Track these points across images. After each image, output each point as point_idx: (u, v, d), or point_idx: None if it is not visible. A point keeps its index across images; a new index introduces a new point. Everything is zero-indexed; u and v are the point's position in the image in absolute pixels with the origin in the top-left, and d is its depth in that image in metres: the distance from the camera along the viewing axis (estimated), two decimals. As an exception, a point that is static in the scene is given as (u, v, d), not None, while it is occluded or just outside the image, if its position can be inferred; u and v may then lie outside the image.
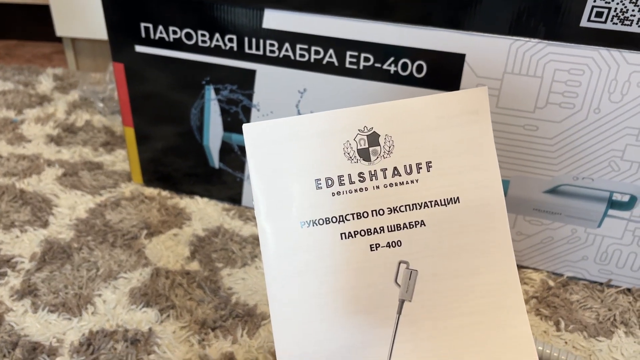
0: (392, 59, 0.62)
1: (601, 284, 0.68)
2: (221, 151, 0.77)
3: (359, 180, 0.34)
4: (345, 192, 0.34)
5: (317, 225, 0.34)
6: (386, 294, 0.33)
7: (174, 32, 0.70)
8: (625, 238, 0.64)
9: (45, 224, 0.76)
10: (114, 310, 0.63)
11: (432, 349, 0.32)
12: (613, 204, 0.62)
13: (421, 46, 0.61)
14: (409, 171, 0.34)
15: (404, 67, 0.63)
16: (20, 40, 1.58)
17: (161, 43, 0.72)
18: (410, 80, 0.63)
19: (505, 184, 0.65)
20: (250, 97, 0.72)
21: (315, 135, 0.35)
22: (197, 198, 0.83)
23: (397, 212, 0.34)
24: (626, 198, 0.61)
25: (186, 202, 0.82)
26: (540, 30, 0.56)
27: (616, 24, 0.53)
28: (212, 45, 0.69)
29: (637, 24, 0.53)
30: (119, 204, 0.80)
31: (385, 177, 0.34)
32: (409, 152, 0.34)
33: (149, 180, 0.85)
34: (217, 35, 0.68)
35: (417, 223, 0.34)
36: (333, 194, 0.34)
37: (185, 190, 0.84)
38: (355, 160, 0.35)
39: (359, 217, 0.34)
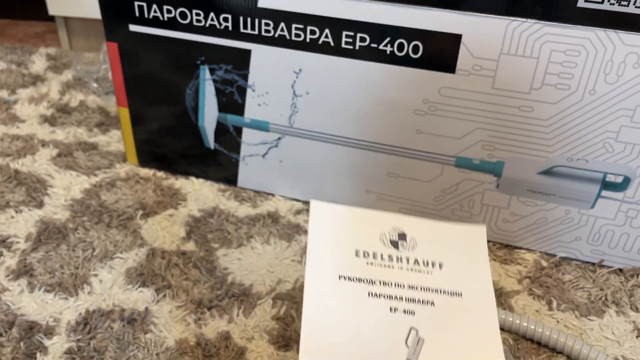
0: (388, 39, 0.62)
1: (593, 264, 0.68)
2: (216, 132, 0.77)
3: (389, 259, 0.45)
4: (376, 265, 0.44)
5: (351, 280, 0.43)
6: (395, 350, 0.40)
7: (168, 11, 0.69)
8: (618, 219, 0.64)
9: (40, 205, 0.76)
10: (110, 290, 0.63)
11: None
12: (606, 185, 0.63)
13: (417, 26, 0.60)
14: (426, 264, 0.45)
15: (400, 47, 0.62)
16: (12, 20, 1.56)
17: (155, 22, 0.71)
18: (406, 61, 0.63)
19: (500, 165, 0.66)
20: (245, 77, 0.71)
21: (362, 223, 0.47)
22: (193, 179, 0.83)
23: (415, 289, 0.43)
24: (619, 179, 0.62)
25: (182, 183, 0.82)
26: (537, 10, 0.55)
27: (613, 4, 0.53)
28: (207, 25, 0.69)
29: (634, 4, 0.52)
30: (114, 185, 0.80)
31: (408, 263, 0.44)
32: (427, 253, 0.45)
33: (144, 161, 0.85)
34: (212, 14, 0.68)
35: (428, 302, 0.42)
36: (367, 263, 0.44)
37: (181, 171, 0.84)
38: (387, 246, 0.45)
39: (384, 284, 0.43)
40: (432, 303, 0.43)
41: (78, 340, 0.57)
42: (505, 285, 0.66)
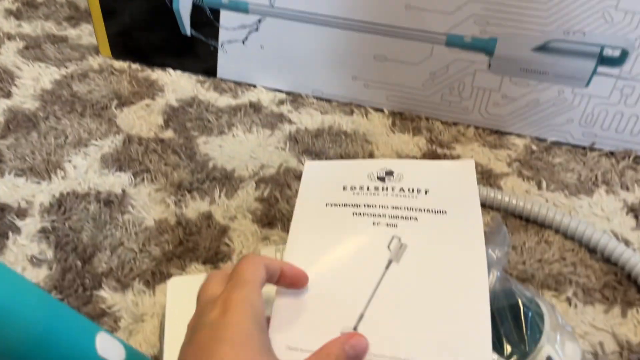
0: None
1: (584, 147, 0.67)
2: (193, 16, 0.72)
3: (374, 189, 0.47)
4: (362, 194, 0.47)
5: (336, 206, 0.46)
6: (379, 255, 0.42)
7: None
8: (613, 97, 0.62)
9: (7, 95, 0.72)
10: (85, 175, 0.61)
11: (405, 298, 0.40)
12: (603, 60, 0.60)
13: None
14: (411, 191, 0.47)
15: None
16: None
17: None
18: None
19: (493, 42, 0.62)
20: (221, -49, 0.66)
21: (352, 169, 0.50)
22: (170, 70, 0.78)
23: (398, 209, 0.45)
24: (617, 53, 0.59)
25: (158, 75, 0.78)
26: None
27: None
28: None
29: None
30: (86, 76, 0.76)
31: (393, 191, 0.47)
32: (413, 183, 0.47)
33: (118, 53, 0.80)
34: None
35: (411, 218, 0.44)
36: (354, 194, 0.47)
37: (157, 63, 0.79)
38: (374, 181, 0.48)
39: (368, 206, 0.45)
40: (416, 219, 0.44)
41: (52, 221, 0.55)
42: (494, 168, 0.64)
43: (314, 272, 0.42)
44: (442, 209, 0.45)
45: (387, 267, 0.42)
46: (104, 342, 0.28)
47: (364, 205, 0.45)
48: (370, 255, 0.42)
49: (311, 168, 0.52)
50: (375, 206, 0.45)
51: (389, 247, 0.43)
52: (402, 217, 0.44)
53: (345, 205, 0.46)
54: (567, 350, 0.42)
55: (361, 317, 0.38)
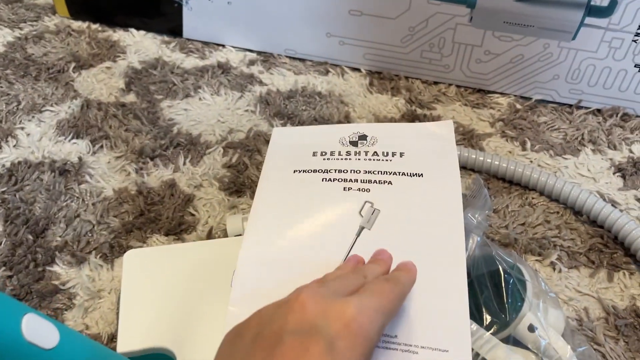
0: None
1: (570, 105, 0.64)
2: (154, -30, 0.67)
3: (346, 154, 0.44)
4: (333, 159, 0.44)
5: (305, 172, 0.43)
6: (350, 222, 0.39)
7: None
8: (601, 51, 0.59)
9: (-45, 59, 0.67)
10: (39, 143, 0.56)
11: None
12: (591, 11, 0.56)
13: None
14: (385, 154, 0.44)
15: None
16: None
17: None
18: None
19: (475, -7, 0.58)
20: None
21: (322, 134, 0.48)
22: (133, 31, 0.73)
23: (371, 173, 0.42)
24: (605, 2, 0.55)
25: (120, 35, 0.73)
26: None
27: None
28: None
29: None
30: (42, 38, 0.71)
31: (366, 155, 0.44)
32: (388, 146, 0.44)
33: (76, 13, 0.75)
34: None
35: (385, 182, 0.42)
36: (324, 159, 0.44)
37: (119, 23, 0.74)
38: (346, 145, 0.45)
39: (339, 171, 0.43)
40: (390, 182, 0.42)
41: (2, 192, 0.51)
42: (476, 128, 0.61)
43: (281, 241, 0.39)
44: (418, 172, 0.42)
45: (358, 234, 0.39)
46: (32, 325, 0.25)
47: (335, 171, 0.43)
48: (340, 221, 0.40)
49: (279, 134, 0.49)
50: (347, 171, 0.43)
51: (360, 212, 0.40)
52: (376, 182, 0.42)
53: (314, 171, 0.44)
54: (550, 318, 0.39)
55: None
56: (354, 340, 0.26)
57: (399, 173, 0.42)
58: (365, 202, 0.41)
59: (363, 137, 0.46)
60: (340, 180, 0.42)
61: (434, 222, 0.39)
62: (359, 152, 0.45)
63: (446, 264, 0.36)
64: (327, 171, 0.43)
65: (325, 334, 0.26)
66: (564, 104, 0.64)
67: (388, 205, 0.40)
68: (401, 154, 0.44)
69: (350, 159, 0.44)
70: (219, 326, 0.37)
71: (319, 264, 0.37)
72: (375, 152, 0.44)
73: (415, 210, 0.40)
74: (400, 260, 0.35)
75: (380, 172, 0.43)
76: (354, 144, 0.46)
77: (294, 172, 0.44)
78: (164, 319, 0.37)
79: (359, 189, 0.41)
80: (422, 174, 0.42)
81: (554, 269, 0.47)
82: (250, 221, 0.41)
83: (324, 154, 0.45)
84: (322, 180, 0.43)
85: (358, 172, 0.43)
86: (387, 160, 0.44)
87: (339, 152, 0.45)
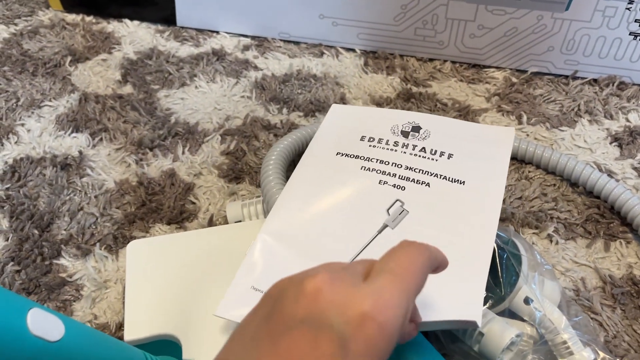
0: None
1: (566, 77, 0.63)
2: (143, -41, 0.67)
3: (394, 145, 0.43)
4: (379, 147, 0.43)
5: (347, 156, 0.43)
6: (375, 217, 0.38)
7: None
8: (595, 20, 0.58)
9: (-47, 58, 0.67)
10: (39, 138, 0.57)
11: None
12: (583, -20, 0.56)
13: None
14: (433, 153, 0.43)
15: None
16: None
17: None
18: None
19: (466, -33, 0.58)
20: None
21: (378, 117, 0.46)
22: (127, 21, 0.73)
23: (411, 170, 0.41)
24: (598, -30, 0.55)
25: (114, 27, 0.73)
26: None
27: None
28: None
29: None
30: (37, 32, 0.71)
31: (413, 149, 0.43)
32: (438, 144, 0.43)
33: (69, 6, 0.75)
34: None
35: (423, 182, 0.40)
36: (369, 146, 0.43)
37: (113, 14, 0.74)
38: (397, 135, 0.44)
39: (380, 162, 0.42)
40: (428, 184, 0.40)
41: (7, 189, 0.52)
42: (472, 104, 0.61)
43: (302, 222, 0.39)
44: (460, 179, 0.41)
45: (380, 231, 0.38)
46: (38, 319, 0.26)
47: (376, 160, 0.42)
48: (365, 215, 0.39)
49: (335, 111, 0.48)
50: (388, 163, 0.42)
51: (388, 210, 0.39)
52: (413, 180, 0.41)
53: (355, 157, 0.43)
54: (546, 290, 0.40)
55: None
56: (369, 344, 0.23)
57: (440, 176, 0.41)
58: (396, 200, 0.40)
59: (416, 129, 0.45)
60: (378, 171, 0.42)
61: (462, 235, 0.37)
62: (407, 144, 0.43)
63: (468, 276, 0.35)
64: (368, 159, 0.43)
65: (338, 331, 0.23)
66: (560, 76, 0.64)
67: (419, 207, 0.39)
68: (449, 156, 0.42)
69: (395, 150, 0.43)
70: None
71: (333, 252, 0.37)
72: (424, 147, 0.43)
73: (445, 220, 0.38)
74: None
75: (420, 171, 0.41)
76: (405, 134, 0.44)
77: (337, 154, 0.44)
78: (169, 306, 0.39)
79: (394, 185, 0.41)
80: (463, 182, 0.41)
81: (551, 241, 0.48)
82: (282, 194, 0.41)
83: (371, 139, 0.44)
84: (361, 168, 0.42)
85: (399, 166, 0.42)
86: (432, 159, 0.42)
87: (387, 141, 0.44)
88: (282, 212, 0.40)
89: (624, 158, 0.54)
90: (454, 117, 0.59)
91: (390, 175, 0.41)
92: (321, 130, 0.46)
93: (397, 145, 0.43)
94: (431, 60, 0.67)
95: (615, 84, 0.61)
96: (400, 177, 0.41)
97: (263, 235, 0.39)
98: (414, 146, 0.43)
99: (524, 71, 0.64)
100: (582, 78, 0.63)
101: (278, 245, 0.38)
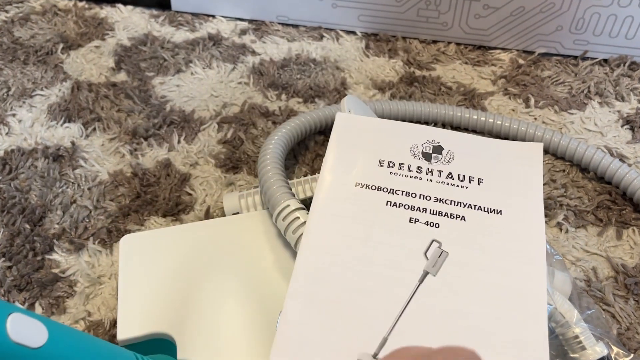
0: None
1: (575, 57, 0.61)
2: (135, -59, 0.65)
3: (417, 171, 0.39)
4: (401, 175, 0.39)
5: (369, 188, 0.38)
6: (411, 262, 0.35)
7: None
8: (606, -3, 0.56)
9: (-58, 47, 0.65)
10: (31, 129, 0.56)
11: (441, 322, 0.33)
12: (594, -45, 0.53)
13: None
14: (461, 179, 0.39)
15: None
16: None
17: None
18: None
19: (470, -56, 0.55)
20: None
21: (392, 134, 0.42)
22: (120, 6, 0.71)
23: (443, 202, 0.37)
24: (610, -55, 0.52)
25: (107, 12, 0.71)
26: None
27: None
28: None
29: None
30: (28, 19, 0.69)
31: (439, 176, 0.39)
32: (465, 167, 0.39)
33: (61, -9, 0.73)
34: None
35: (458, 216, 0.37)
36: (391, 173, 0.39)
37: (106, -1, 0.72)
38: (418, 158, 0.40)
39: (407, 195, 0.38)
40: (463, 218, 0.36)
41: (-3, 182, 0.50)
42: (478, 87, 0.59)
43: (331, 278, 0.35)
44: (497, 208, 0.37)
45: (422, 280, 0.35)
46: (18, 325, 0.24)
47: (402, 193, 0.38)
48: (401, 262, 0.35)
49: (342, 123, 0.43)
50: (415, 195, 0.38)
51: (425, 253, 0.35)
52: (447, 215, 0.37)
53: (379, 189, 0.38)
54: (557, 282, 0.38)
55: (384, 342, 0.32)
56: None
57: (475, 207, 0.37)
58: (433, 241, 0.36)
59: (438, 150, 0.40)
60: (406, 207, 0.37)
61: (511, 275, 0.34)
62: (432, 170, 0.39)
63: (525, 332, 0.32)
64: (392, 191, 0.38)
65: None
66: (569, 56, 0.61)
67: (458, 246, 0.35)
68: (479, 181, 0.39)
69: (420, 177, 0.39)
70: (218, 310, 0.37)
71: (373, 311, 0.33)
72: (450, 173, 0.39)
73: (489, 258, 0.35)
74: (470, 317, 0.32)
75: (453, 203, 0.37)
76: (427, 156, 0.40)
77: (356, 185, 0.39)
78: (164, 304, 0.37)
79: (426, 222, 0.37)
80: (500, 211, 0.37)
81: (561, 230, 0.46)
82: (302, 245, 0.36)
83: (391, 164, 0.40)
84: (387, 204, 0.38)
85: (428, 198, 0.38)
86: (462, 187, 0.38)
87: (409, 167, 0.39)
88: (309, 267, 0.35)
89: (637, 141, 0.52)
90: (459, 101, 0.57)
91: (420, 210, 0.37)
92: (331, 149, 0.41)
93: (421, 171, 0.39)
94: (435, 42, 0.64)
95: (627, 64, 0.59)
96: (432, 212, 0.37)
97: (289, 306, 0.34)
98: (440, 172, 0.39)
99: (532, 52, 0.62)
100: (592, 58, 0.61)
101: (307, 316, 0.33)
